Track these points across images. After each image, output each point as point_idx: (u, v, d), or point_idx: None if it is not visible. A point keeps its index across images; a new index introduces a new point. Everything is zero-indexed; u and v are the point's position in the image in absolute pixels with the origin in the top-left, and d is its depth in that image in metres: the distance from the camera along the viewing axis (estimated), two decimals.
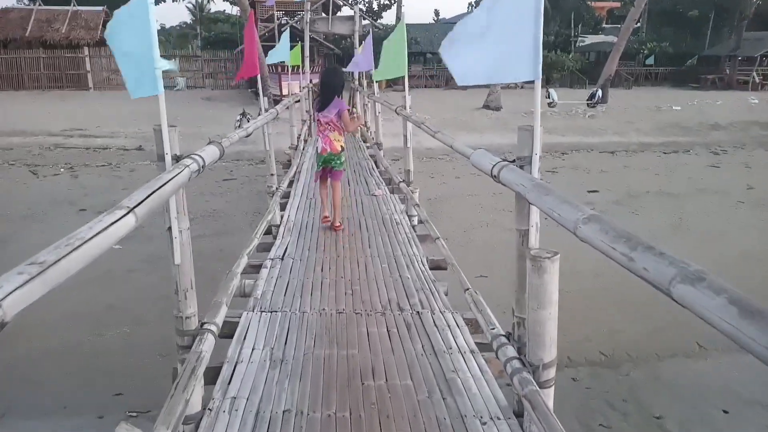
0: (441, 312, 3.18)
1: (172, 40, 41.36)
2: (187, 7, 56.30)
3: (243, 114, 17.32)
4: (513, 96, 25.40)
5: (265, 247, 4.38)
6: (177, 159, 1.97)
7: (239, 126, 14.81)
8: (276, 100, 17.90)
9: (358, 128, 8.50)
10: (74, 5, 25.37)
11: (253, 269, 3.86)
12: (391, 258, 4.04)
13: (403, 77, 4.94)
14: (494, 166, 2.17)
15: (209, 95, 24.57)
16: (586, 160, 16.22)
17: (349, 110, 5.09)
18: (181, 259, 2.02)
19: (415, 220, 5.14)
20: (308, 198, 5.96)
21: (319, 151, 4.75)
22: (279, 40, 12.39)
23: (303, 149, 8.57)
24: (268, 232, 4.77)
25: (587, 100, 22.25)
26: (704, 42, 33.23)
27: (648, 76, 32.73)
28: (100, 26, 25.19)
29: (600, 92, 21.83)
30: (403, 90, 4.75)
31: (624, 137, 18.89)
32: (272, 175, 4.86)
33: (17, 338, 5.74)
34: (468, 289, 2.79)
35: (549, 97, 22.20)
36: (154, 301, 7.15)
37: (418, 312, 3.17)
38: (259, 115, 4.70)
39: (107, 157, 15.14)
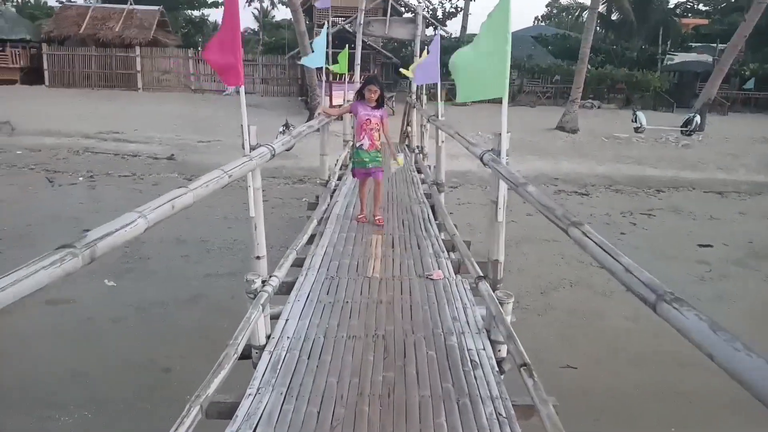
0: None
1: None
2: (252, 13, 56.56)
3: (286, 125, 15.62)
4: (590, 117, 22.58)
5: (220, 410, 2.31)
6: None
7: None
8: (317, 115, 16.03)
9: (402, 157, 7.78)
10: (131, 4, 24.74)
11: None
12: None
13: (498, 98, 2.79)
14: None
15: (258, 102, 23.19)
16: (688, 201, 13.36)
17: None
18: None
19: (503, 350, 2.94)
20: (328, 277, 3.85)
21: (365, 147, 5.11)
22: (331, 47, 10.58)
23: (336, 187, 6.44)
24: (245, 355, 2.72)
25: (682, 126, 19.14)
26: None
27: (746, 101, 28.83)
28: (154, 26, 24.45)
29: (698, 118, 18.71)
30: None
31: (731, 174, 15.79)
32: (258, 259, 2.79)
33: None
34: None
35: (636, 121, 19.28)
36: (135, 370, 5.40)
37: None
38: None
39: (134, 165, 13.73)
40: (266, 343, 2.83)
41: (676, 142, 18.79)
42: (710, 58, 27.76)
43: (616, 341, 6.42)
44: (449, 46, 16.34)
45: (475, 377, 2.65)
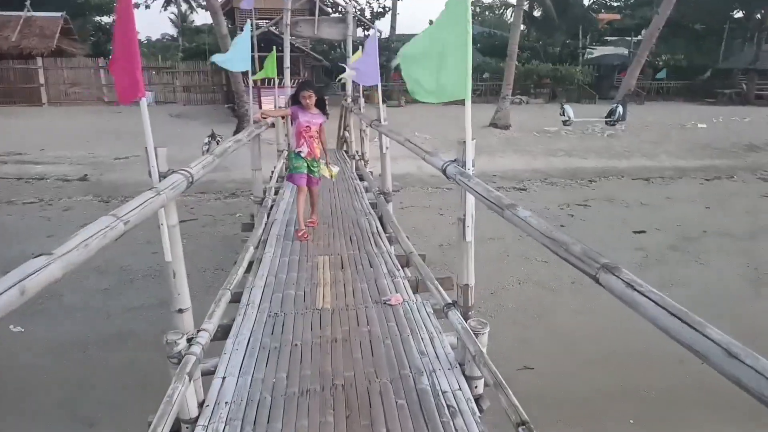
0: None
1: (156, 53, 38.42)
2: (169, 18, 53.51)
3: (212, 136, 14.62)
4: (520, 112, 23.00)
5: None
6: None
7: (207, 150, 12.11)
8: (256, 121, 15.12)
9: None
10: (28, 10, 22.51)
11: None
12: None
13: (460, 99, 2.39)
14: None
15: (180, 111, 21.83)
16: (619, 189, 13.74)
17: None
18: None
19: (480, 385, 2.53)
20: (271, 314, 3.30)
21: (303, 155, 4.88)
22: (256, 50, 9.86)
23: (273, 203, 5.85)
24: None
25: (606, 117, 19.85)
26: (718, 54, 31.11)
27: (659, 90, 30.57)
28: (57, 34, 22.40)
29: (620, 109, 19.47)
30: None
31: (655, 161, 16.49)
32: (180, 312, 2.22)
33: None
34: None
35: (564, 114, 19.79)
36: (54, 428, 4.67)
37: None
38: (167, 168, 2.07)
39: (41, 190, 12.32)
40: (198, 414, 2.26)
41: (602, 132, 19.46)
42: (626, 51, 29.22)
43: (569, 337, 6.34)
44: (380, 46, 15.97)
45: (455, 428, 2.22)
